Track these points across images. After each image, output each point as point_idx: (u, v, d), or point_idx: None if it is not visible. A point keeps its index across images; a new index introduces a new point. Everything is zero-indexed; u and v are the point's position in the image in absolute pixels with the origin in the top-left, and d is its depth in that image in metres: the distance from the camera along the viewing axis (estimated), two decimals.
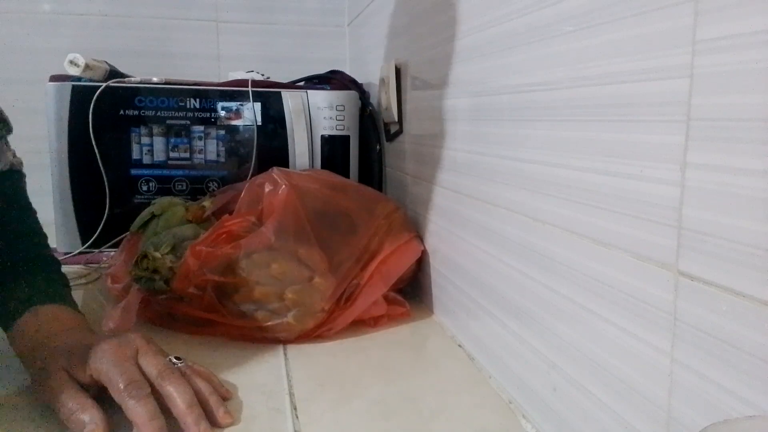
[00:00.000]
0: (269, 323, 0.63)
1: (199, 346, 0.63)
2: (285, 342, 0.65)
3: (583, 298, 0.41)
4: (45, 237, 0.64)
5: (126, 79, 0.95)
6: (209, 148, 0.97)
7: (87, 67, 0.90)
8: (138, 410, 0.44)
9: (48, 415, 0.48)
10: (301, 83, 1.09)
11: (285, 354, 0.62)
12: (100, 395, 0.47)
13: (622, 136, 0.37)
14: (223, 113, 0.97)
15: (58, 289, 0.59)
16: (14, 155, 0.65)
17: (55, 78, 0.93)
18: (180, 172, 0.97)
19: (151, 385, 0.46)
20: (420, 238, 0.77)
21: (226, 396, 0.51)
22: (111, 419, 0.45)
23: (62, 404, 0.46)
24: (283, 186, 0.68)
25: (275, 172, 0.71)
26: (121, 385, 0.45)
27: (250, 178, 0.76)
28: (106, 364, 0.46)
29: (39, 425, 0.48)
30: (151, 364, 0.48)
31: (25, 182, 0.66)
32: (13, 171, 0.64)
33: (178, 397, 0.46)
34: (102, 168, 0.93)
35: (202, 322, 0.65)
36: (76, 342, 0.50)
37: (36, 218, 0.64)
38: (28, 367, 0.52)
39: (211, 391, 0.49)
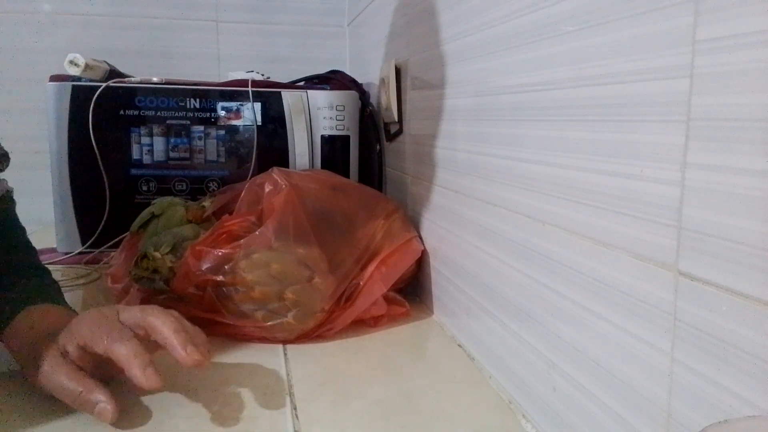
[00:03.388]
0: (269, 323, 0.63)
1: None
2: (285, 342, 0.65)
3: (583, 298, 0.41)
4: (35, 251, 0.66)
5: (126, 79, 0.95)
6: (209, 148, 0.97)
7: (87, 67, 0.90)
8: (122, 350, 0.45)
9: (51, 410, 0.48)
10: (301, 83, 1.09)
11: (285, 354, 0.62)
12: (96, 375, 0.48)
13: (622, 136, 0.37)
14: (223, 113, 0.97)
15: (50, 291, 0.60)
16: (7, 183, 0.68)
17: (55, 78, 0.93)
18: (180, 172, 0.97)
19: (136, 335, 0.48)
20: (420, 238, 0.77)
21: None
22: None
23: (65, 389, 0.46)
24: (283, 186, 0.68)
25: (275, 172, 0.71)
26: (105, 338, 0.46)
27: (250, 178, 0.76)
28: (89, 327, 0.47)
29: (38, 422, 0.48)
30: (131, 311, 0.49)
31: (15, 207, 0.68)
32: (5, 197, 0.67)
33: (162, 325, 0.47)
34: (102, 168, 0.93)
35: (202, 322, 0.65)
36: None
37: (26, 236, 0.67)
38: (24, 364, 0.52)
39: (189, 326, 0.50)
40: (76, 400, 0.46)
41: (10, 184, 0.68)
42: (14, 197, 0.69)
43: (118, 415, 0.46)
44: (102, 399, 0.46)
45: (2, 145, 0.65)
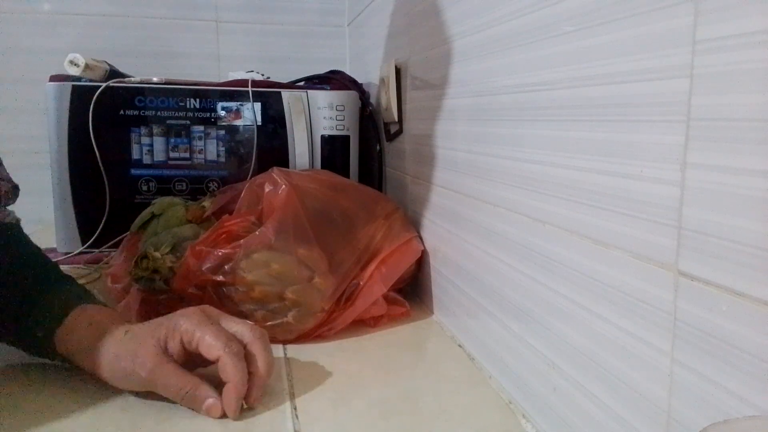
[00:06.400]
0: (269, 323, 0.63)
1: None
2: (285, 342, 0.65)
3: (584, 298, 0.41)
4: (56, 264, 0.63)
5: (126, 79, 0.95)
6: (209, 148, 0.97)
7: (87, 67, 0.90)
8: (236, 368, 0.48)
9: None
10: (301, 83, 1.09)
11: (285, 354, 0.62)
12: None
13: (622, 136, 0.37)
14: (223, 113, 0.97)
15: (92, 294, 0.59)
16: (15, 214, 0.67)
17: (55, 78, 0.93)
18: (180, 172, 0.97)
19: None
20: (420, 238, 0.77)
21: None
22: None
23: (173, 386, 0.48)
24: (283, 186, 0.68)
25: (275, 172, 0.71)
26: (221, 343, 0.48)
27: (250, 178, 0.76)
28: (198, 326, 0.49)
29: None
30: (232, 323, 0.51)
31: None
32: (14, 225, 0.65)
33: (237, 366, 0.49)
34: (102, 168, 0.93)
35: None
36: (146, 323, 0.52)
37: (44, 255, 0.64)
38: (87, 361, 0.51)
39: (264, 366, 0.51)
40: (184, 397, 0.48)
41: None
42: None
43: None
44: (211, 395, 0.48)
45: (2, 148, 0.64)
